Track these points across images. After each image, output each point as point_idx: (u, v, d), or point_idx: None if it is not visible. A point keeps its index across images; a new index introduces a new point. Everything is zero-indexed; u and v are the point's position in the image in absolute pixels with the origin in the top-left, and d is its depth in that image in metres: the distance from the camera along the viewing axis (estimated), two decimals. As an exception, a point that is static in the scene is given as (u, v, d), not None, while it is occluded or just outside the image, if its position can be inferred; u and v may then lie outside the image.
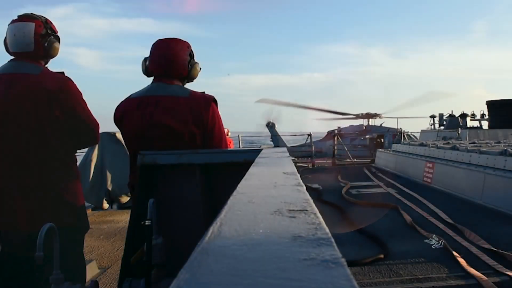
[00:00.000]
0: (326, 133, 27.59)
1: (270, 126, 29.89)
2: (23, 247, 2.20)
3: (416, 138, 23.72)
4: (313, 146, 16.53)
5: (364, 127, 25.57)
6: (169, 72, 2.26)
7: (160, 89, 2.22)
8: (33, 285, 2.19)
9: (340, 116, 27.17)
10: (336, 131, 26.70)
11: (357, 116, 26.05)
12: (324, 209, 6.75)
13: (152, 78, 2.33)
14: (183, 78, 2.32)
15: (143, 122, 2.14)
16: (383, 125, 25.46)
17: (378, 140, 24.61)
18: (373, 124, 25.75)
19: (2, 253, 2.34)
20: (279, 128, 29.42)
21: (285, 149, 2.04)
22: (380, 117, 25.66)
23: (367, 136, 24.56)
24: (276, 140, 29.71)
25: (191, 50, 2.36)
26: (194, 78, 2.39)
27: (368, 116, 25.71)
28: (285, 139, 28.34)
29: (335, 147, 16.48)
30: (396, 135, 23.42)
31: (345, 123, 27.18)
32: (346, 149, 17.71)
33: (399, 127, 24.56)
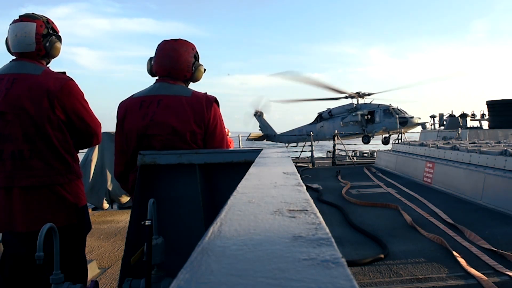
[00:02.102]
0: (316, 115, 27.68)
1: (258, 115, 30.01)
2: (24, 247, 2.20)
3: (406, 113, 23.73)
4: (312, 146, 16.49)
5: (354, 105, 25.62)
6: (173, 74, 2.26)
7: (162, 89, 2.22)
8: (34, 285, 2.19)
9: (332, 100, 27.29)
10: (327, 112, 26.81)
11: (346, 97, 26.10)
12: (324, 209, 6.76)
13: (156, 78, 2.34)
14: (187, 80, 2.33)
15: (145, 121, 2.14)
16: (372, 102, 25.53)
17: (369, 116, 24.72)
18: (362, 102, 25.80)
19: (3, 253, 2.34)
20: (267, 117, 29.62)
21: (285, 149, 2.05)
22: (366, 96, 25.72)
23: (358, 113, 24.65)
24: (265, 128, 29.83)
25: (196, 52, 2.36)
26: (198, 80, 2.39)
27: (357, 95, 25.77)
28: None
29: (335, 147, 16.46)
30: (387, 110, 23.50)
31: (335, 104, 27.27)
32: (345, 150, 17.68)
33: (388, 103, 24.71)
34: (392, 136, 23.86)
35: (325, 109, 27.51)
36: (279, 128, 30.03)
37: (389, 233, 5.13)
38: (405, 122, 23.07)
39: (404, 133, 18.19)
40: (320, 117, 27.57)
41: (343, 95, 25.94)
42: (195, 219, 2.00)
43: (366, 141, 24.49)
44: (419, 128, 23.95)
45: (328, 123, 26.60)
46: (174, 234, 1.99)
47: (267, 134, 29.87)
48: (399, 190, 8.55)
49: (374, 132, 24.58)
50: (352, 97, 25.78)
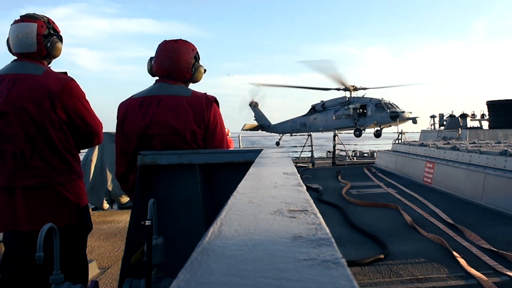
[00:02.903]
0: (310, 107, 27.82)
1: (254, 105, 30.16)
2: (26, 247, 2.20)
3: (398, 107, 23.86)
4: (312, 146, 16.48)
5: (347, 99, 25.67)
6: (173, 74, 2.26)
7: (162, 89, 2.22)
8: (35, 285, 2.19)
9: (323, 91, 27.27)
10: (320, 105, 26.97)
11: (338, 90, 26.11)
12: (324, 209, 6.76)
13: (156, 78, 2.34)
14: (186, 80, 2.33)
15: (145, 121, 2.14)
16: (365, 96, 25.56)
17: (361, 110, 24.83)
18: (355, 96, 25.83)
19: (5, 253, 2.34)
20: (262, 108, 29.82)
21: (285, 149, 2.05)
22: (359, 89, 25.68)
23: (350, 106, 24.74)
24: (260, 119, 29.97)
25: (197, 53, 2.35)
26: (198, 81, 2.39)
27: (350, 89, 25.75)
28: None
29: (335, 147, 16.46)
30: (379, 104, 23.64)
31: (328, 97, 27.26)
32: (345, 150, 17.67)
33: (381, 97, 24.74)
34: (385, 129, 23.91)
35: (319, 101, 27.61)
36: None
37: (389, 233, 5.13)
38: (396, 116, 23.17)
39: (404, 133, 18.16)
40: (314, 109, 27.64)
41: (335, 87, 25.91)
42: (195, 219, 2.00)
43: (358, 134, 24.63)
44: (419, 128, 23.92)
45: (321, 115, 26.67)
46: (174, 234, 1.99)
47: (262, 124, 29.97)
48: (399, 190, 8.55)
49: (365, 125, 24.68)
50: (345, 89, 25.77)
